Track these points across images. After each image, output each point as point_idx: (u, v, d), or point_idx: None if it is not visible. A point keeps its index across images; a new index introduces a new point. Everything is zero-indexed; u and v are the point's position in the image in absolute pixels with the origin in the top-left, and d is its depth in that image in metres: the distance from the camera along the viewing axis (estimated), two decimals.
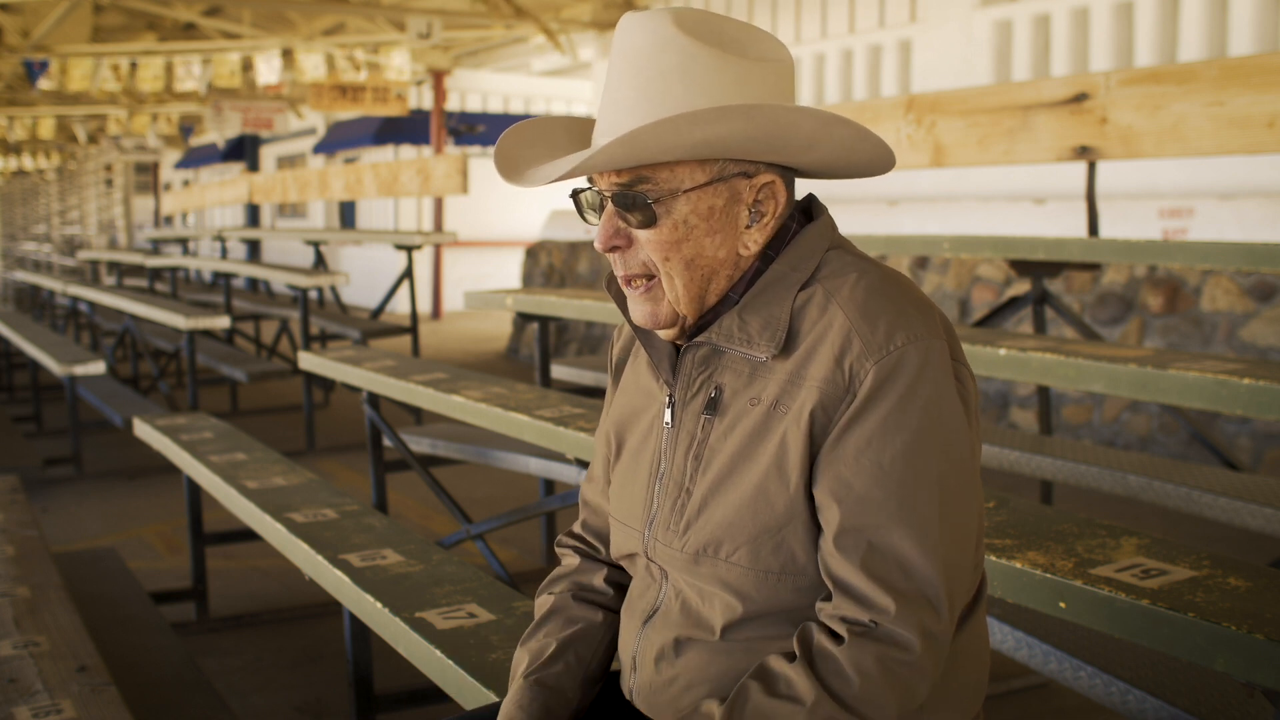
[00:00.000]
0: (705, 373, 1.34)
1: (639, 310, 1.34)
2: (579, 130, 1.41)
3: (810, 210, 1.37)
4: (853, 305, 1.25)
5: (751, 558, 1.27)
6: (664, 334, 1.36)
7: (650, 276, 1.32)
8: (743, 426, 1.29)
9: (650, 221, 1.28)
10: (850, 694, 1.17)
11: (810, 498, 1.25)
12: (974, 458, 1.27)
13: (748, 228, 1.31)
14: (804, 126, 1.26)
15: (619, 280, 1.36)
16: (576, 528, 1.60)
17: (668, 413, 1.37)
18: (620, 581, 1.53)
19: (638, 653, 1.39)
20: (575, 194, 1.36)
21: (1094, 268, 4.21)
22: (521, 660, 1.49)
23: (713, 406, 1.32)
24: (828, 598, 1.24)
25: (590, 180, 1.33)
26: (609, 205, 1.31)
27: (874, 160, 1.35)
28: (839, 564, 1.22)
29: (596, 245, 1.32)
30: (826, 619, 1.22)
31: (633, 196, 1.28)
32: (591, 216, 1.34)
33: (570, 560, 1.57)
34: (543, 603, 1.55)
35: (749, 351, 1.29)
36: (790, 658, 1.22)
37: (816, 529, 1.26)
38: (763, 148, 1.27)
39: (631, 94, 1.27)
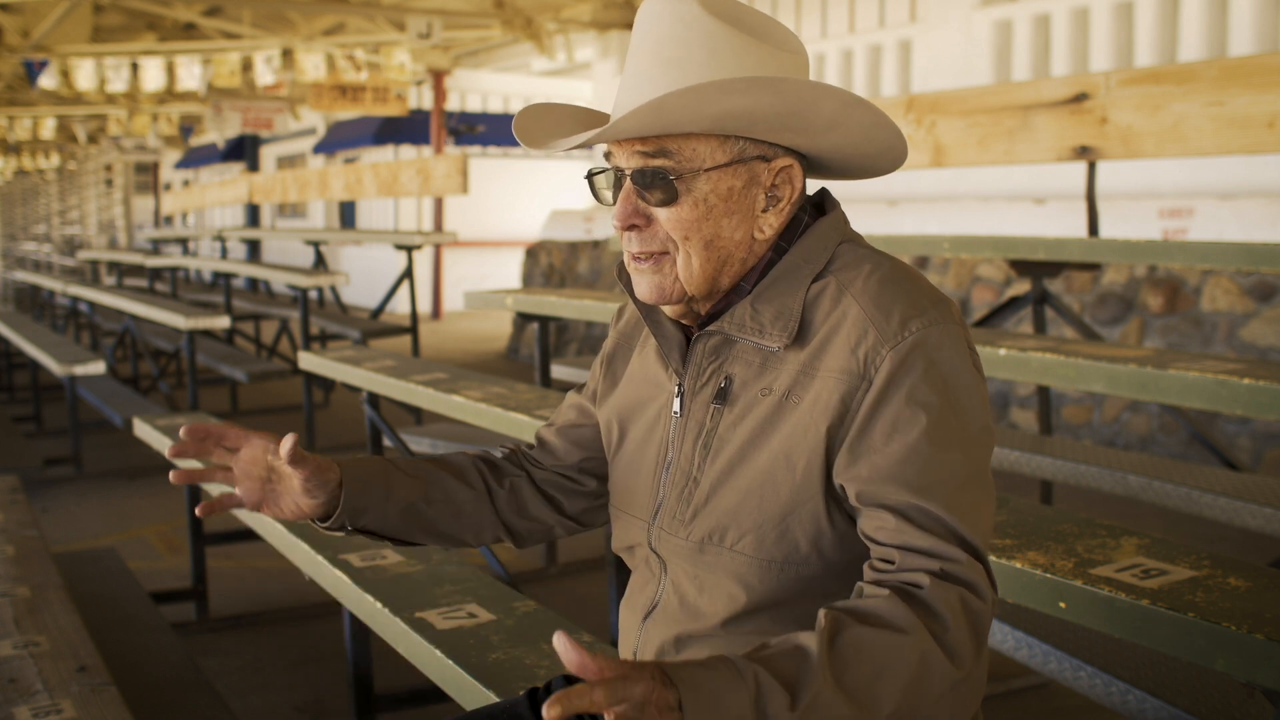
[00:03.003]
0: (716, 362, 1.34)
1: (644, 284, 1.33)
2: (586, 117, 1.41)
3: (823, 205, 1.38)
4: (866, 296, 1.26)
5: (756, 546, 1.27)
6: (670, 310, 1.36)
7: (663, 254, 1.31)
8: (753, 416, 1.29)
9: (671, 199, 1.28)
10: (942, 631, 1.13)
11: (822, 488, 1.25)
12: (991, 438, 1.27)
13: (764, 211, 1.31)
14: (827, 104, 1.26)
15: (629, 257, 1.35)
16: (530, 448, 1.62)
17: (676, 402, 1.37)
18: (515, 480, 1.54)
19: (638, 649, 1.39)
20: (591, 174, 1.35)
21: (1094, 268, 4.21)
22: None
23: (722, 396, 1.32)
24: (877, 568, 1.20)
25: (608, 159, 1.33)
26: (627, 183, 1.30)
27: (885, 151, 1.35)
28: (893, 532, 1.19)
29: (614, 222, 1.32)
30: (895, 574, 1.18)
31: (653, 172, 1.28)
32: (607, 196, 1.34)
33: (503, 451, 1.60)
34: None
35: (761, 341, 1.29)
36: (867, 596, 1.16)
37: (823, 519, 1.26)
38: (786, 125, 1.27)
39: (654, 70, 1.27)
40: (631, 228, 1.31)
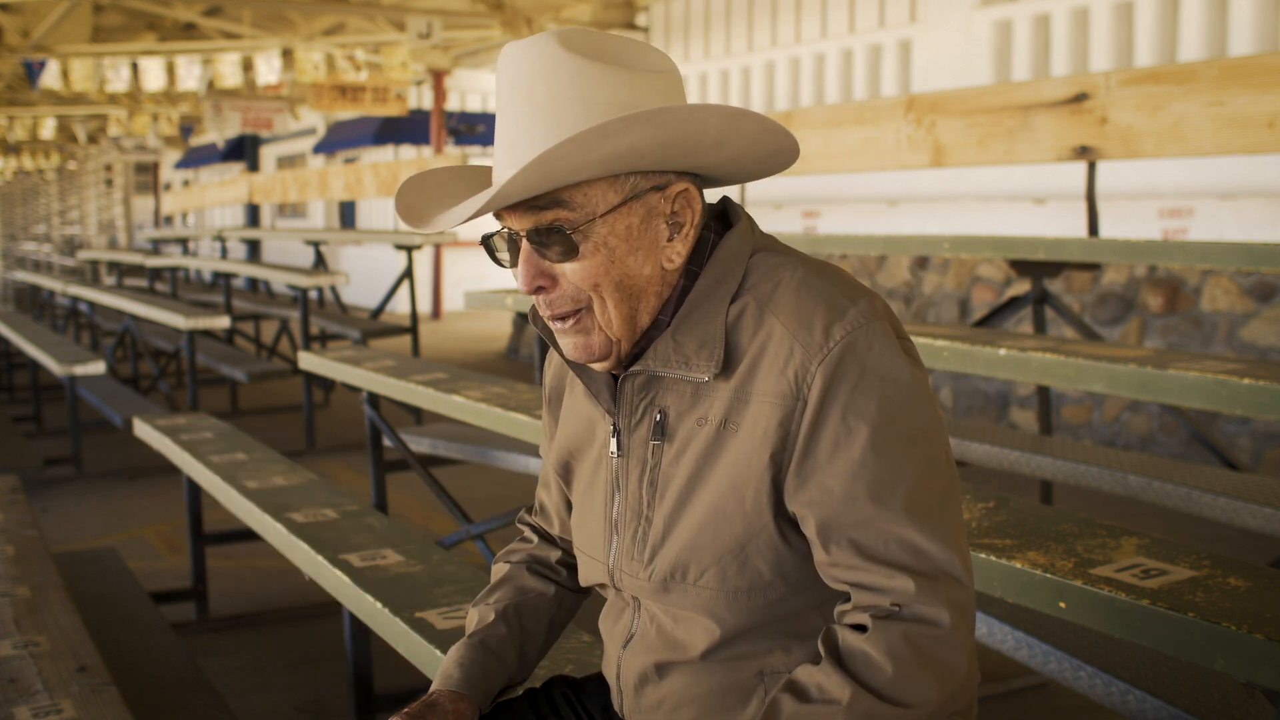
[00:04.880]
0: (647, 397, 1.31)
1: (569, 344, 1.30)
2: (471, 177, 1.38)
3: (726, 214, 1.34)
4: (786, 311, 1.23)
5: (719, 579, 1.26)
6: (599, 366, 1.32)
7: (578, 310, 1.27)
8: (693, 449, 1.27)
9: (571, 253, 1.24)
10: (885, 681, 1.14)
11: (774, 513, 1.24)
12: (940, 425, 1.25)
13: (669, 240, 1.28)
14: (711, 123, 1.22)
15: (546, 317, 1.31)
16: (534, 516, 1.63)
17: (613, 441, 1.34)
18: (572, 563, 1.56)
19: (620, 675, 1.40)
20: (486, 238, 1.31)
21: (1094, 268, 4.21)
22: (471, 621, 1.53)
23: (659, 431, 1.30)
24: (845, 600, 1.22)
25: (501, 221, 1.28)
26: (524, 245, 1.26)
27: (776, 153, 1.32)
28: (845, 569, 1.20)
29: (521, 289, 1.28)
30: (848, 619, 1.20)
31: (549, 230, 1.23)
32: (505, 258, 1.30)
33: (529, 535, 1.62)
34: (498, 569, 1.59)
35: (689, 374, 1.26)
36: (816, 663, 1.19)
37: (780, 543, 1.25)
38: (674, 153, 1.23)
39: (528, 122, 1.22)
40: (538, 290, 1.27)
